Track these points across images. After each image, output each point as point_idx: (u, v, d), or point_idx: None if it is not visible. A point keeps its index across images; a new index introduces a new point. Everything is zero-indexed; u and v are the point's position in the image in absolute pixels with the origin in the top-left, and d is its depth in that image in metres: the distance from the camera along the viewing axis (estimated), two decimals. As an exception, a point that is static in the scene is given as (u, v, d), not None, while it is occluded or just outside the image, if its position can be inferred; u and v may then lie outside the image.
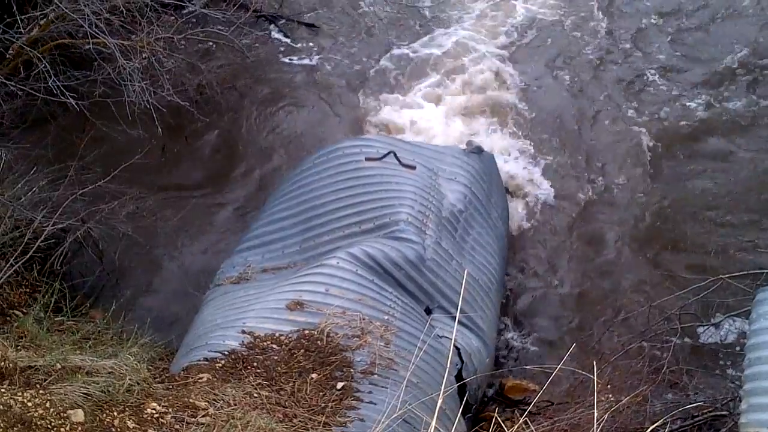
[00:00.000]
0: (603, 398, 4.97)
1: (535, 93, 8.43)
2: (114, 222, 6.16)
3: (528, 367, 5.93)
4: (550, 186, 7.48)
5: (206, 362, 4.58)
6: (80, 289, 6.15)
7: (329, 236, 5.62)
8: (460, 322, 5.38)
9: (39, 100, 6.73)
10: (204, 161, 7.56)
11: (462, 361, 5.17)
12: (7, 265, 5.20)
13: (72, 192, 5.93)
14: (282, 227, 5.84)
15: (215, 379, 4.38)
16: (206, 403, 4.09)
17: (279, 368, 4.53)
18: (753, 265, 6.17)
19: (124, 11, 6.76)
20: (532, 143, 7.88)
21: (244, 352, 4.62)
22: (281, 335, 4.76)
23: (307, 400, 4.33)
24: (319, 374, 4.51)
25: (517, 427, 3.08)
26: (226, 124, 7.84)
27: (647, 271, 6.72)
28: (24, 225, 5.59)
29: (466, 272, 5.57)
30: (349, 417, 4.25)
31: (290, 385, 4.42)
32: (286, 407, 4.24)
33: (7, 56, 6.82)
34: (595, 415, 4.17)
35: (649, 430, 3.38)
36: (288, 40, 8.86)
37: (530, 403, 5.45)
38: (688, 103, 8.17)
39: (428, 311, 5.36)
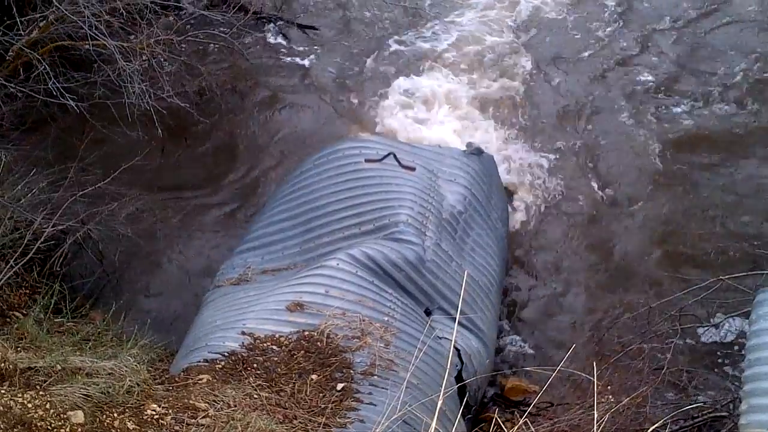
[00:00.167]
0: (603, 399, 4.98)
1: (536, 93, 8.44)
2: (114, 223, 6.16)
3: (528, 368, 5.93)
4: (551, 187, 7.48)
5: (206, 363, 4.58)
6: (80, 290, 6.15)
7: (329, 237, 5.62)
8: (460, 324, 5.38)
9: (39, 102, 6.73)
10: (204, 163, 7.56)
11: (462, 363, 5.17)
12: (7, 267, 5.20)
13: (72, 193, 5.93)
14: (282, 228, 5.85)
15: (215, 381, 4.38)
16: (206, 405, 4.09)
17: (279, 369, 4.53)
18: (753, 266, 6.17)
19: (124, 13, 6.76)
20: (532, 144, 7.89)
21: (244, 354, 4.62)
22: (281, 336, 4.76)
23: (307, 402, 4.33)
24: (319, 375, 4.51)
25: (517, 428, 3.07)
26: (226, 125, 7.84)
27: (647, 272, 6.72)
28: (24, 226, 5.59)
29: (466, 273, 5.57)
30: (349, 418, 4.25)
31: (290, 386, 4.42)
32: (286, 408, 4.24)
33: (7, 58, 6.82)
34: (595, 416, 4.17)
35: (649, 431, 3.38)
36: (288, 42, 8.86)
37: (530, 404, 5.45)
38: (691, 107, 8.17)
39: (428, 312, 5.36)
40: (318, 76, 8.52)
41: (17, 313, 5.36)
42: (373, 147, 6.13)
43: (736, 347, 5.96)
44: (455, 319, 5.24)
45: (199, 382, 4.36)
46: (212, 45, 8.21)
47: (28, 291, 5.67)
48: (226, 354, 4.62)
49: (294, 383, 4.44)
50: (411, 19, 9.31)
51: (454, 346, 5.15)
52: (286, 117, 8.09)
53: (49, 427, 3.57)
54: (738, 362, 5.58)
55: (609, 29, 9.12)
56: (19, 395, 3.67)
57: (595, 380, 4.01)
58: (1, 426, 3.44)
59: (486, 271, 5.93)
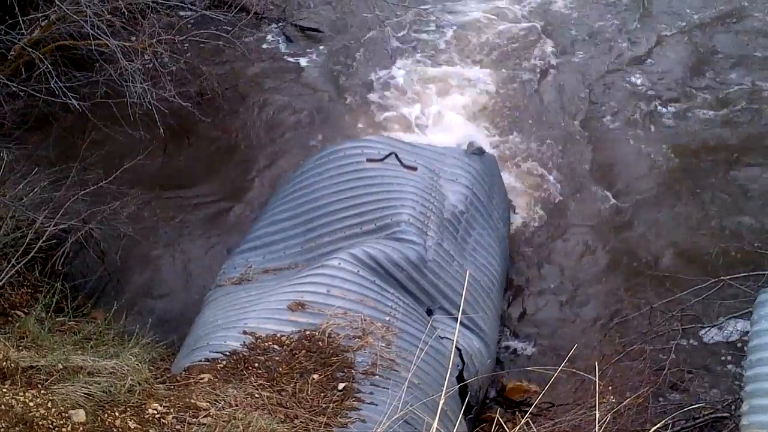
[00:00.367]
0: (604, 399, 4.97)
1: (539, 93, 8.42)
2: (115, 222, 6.17)
3: (529, 368, 5.92)
4: (552, 188, 7.48)
5: (208, 363, 4.59)
6: (82, 289, 6.16)
7: (330, 237, 5.62)
8: (461, 323, 5.38)
9: (41, 101, 6.74)
10: (205, 162, 7.56)
11: (463, 362, 5.17)
12: (9, 266, 5.21)
13: (74, 192, 5.93)
14: (283, 228, 5.85)
15: (217, 380, 4.38)
16: (208, 404, 4.09)
17: (280, 369, 4.53)
18: (754, 267, 6.16)
19: (126, 12, 6.77)
20: (534, 143, 7.88)
21: (245, 353, 4.62)
22: (283, 336, 4.76)
23: (308, 401, 4.33)
24: (320, 375, 4.51)
25: (519, 429, 3.07)
26: (227, 125, 7.84)
27: (649, 272, 6.71)
28: (26, 225, 5.60)
29: (467, 273, 5.57)
30: (350, 418, 4.26)
31: (291, 385, 4.42)
32: (288, 408, 4.24)
33: (9, 57, 6.84)
34: (597, 416, 4.17)
35: (650, 431, 3.38)
36: (289, 42, 8.86)
37: (531, 405, 5.45)
38: (694, 110, 8.16)
39: (429, 312, 5.36)
40: (319, 76, 8.52)
41: (19, 312, 5.37)
42: (374, 147, 6.14)
43: (737, 348, 5.95)
44: (457, 318, 5.24)
45: (201, 381, 4.37)
46: (214, 45, 8.20)
47: (29, 290, 5.68)
48: (227, 353, 4.63)
49: (295, 383, 4.44)
50: (412, 20, 9.29)
51: (456, 346, 5.16)
52: (287, 116, 8.08)
53: (50, 426, 3.58)
54: (739, 363, 5.57)
55: (616, 28, 9.10)
56: (21, 394, 3.68)
57: (596, 380, 4.00)
58: (3, 425, 3.44)
59: (487, 270, 5.93)
